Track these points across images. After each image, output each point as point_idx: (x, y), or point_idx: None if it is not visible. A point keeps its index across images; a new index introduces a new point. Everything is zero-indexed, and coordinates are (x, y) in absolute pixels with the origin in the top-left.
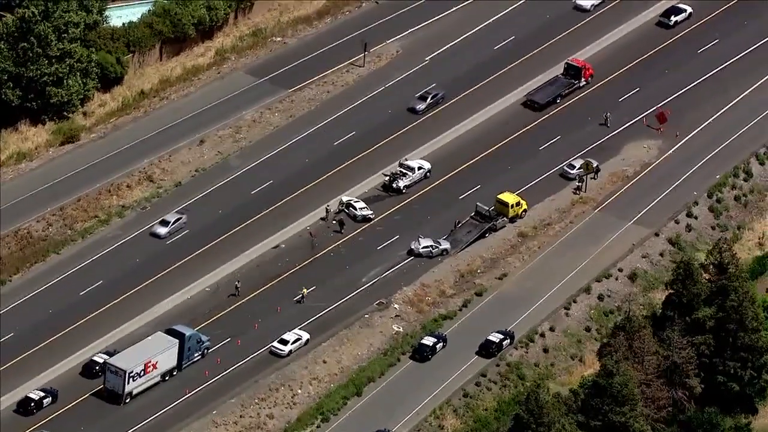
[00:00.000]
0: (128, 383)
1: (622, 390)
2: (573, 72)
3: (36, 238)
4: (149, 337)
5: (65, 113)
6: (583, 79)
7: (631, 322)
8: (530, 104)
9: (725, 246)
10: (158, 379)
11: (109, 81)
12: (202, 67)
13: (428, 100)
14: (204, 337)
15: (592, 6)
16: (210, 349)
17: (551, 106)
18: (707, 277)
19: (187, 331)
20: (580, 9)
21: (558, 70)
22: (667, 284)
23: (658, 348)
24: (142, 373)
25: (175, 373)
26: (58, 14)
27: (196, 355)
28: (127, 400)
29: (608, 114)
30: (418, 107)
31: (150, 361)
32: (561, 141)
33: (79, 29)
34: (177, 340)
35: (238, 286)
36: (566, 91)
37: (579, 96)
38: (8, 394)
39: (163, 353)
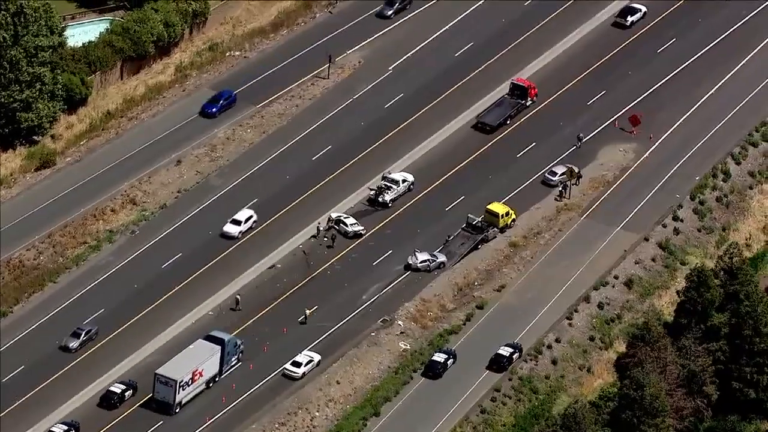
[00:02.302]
0: (178, 392)
1: (653, 402)
2: (519, 92)
3: (29, 267)
4: (191, 346)
5: (35, 137)
6: (529, 99)
7: (650, 332)
8: (481, 126)
9: (735, 251)
10: (203, 386)
11: (74, 102)
12: (164, 84)
13: (81, 336)
14: (239, 341)
15: (240, 227)
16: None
17: (501, 128)
18: (717, 283)
19: (226, 336)
20: (226, 236)
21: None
22: (679, 292)
23: (676, 357)
24: (190, 381)
25: (217, 379)
26: (27, 38)
27: (233, 359)
28: (177, 410)
29: (581, 135)
30: (71, 345)
31: (197, 369)
32: (537, 148)
33: (48, 53)
34: (219, 346)
35: (239, 299)
36: (515, 112)
37: (550, 100)
38: (30, 429)
39: (209, 360)
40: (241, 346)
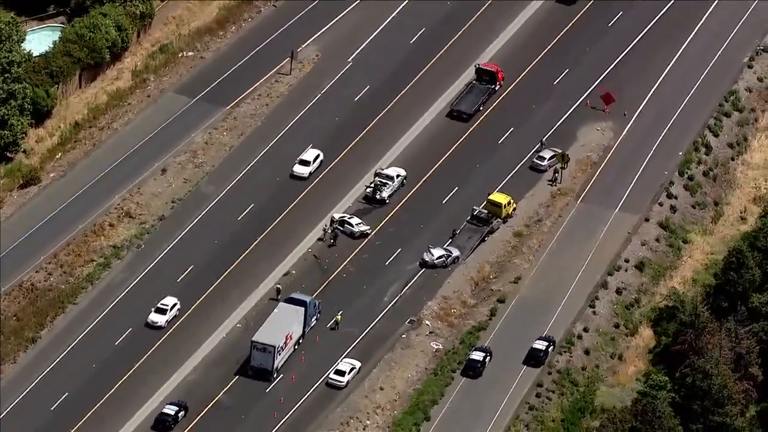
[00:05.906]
0: (275, 358)
1: (721, 391)
2: (488, 77)
3: (42, 289)
4: (276, 310)
5: (8, 154)
6: (497, 83)
7: (698, 317)
8: (457, 115)
9: None
10: (292, 349)
11: (40, 115)
12: (124, 91)
13: None
14: (317, 301)
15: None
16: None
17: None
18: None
19: (307, 298)
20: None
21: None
22: (717, 274)
23: (726, 341)
24: (284, 346)
25: (300, 341)
26: (2, 55)
27: (313, 320)
28: (275, 375)
29: (545, 138)
30: None
31: (288, 333)
32: (515, 133)
33: (21, 68)
34: (302, 308)
35: (280, 288)
36: (486, 98)
37: (515, 84)
38: None
39: (296, 323)
40: (319, 306)
